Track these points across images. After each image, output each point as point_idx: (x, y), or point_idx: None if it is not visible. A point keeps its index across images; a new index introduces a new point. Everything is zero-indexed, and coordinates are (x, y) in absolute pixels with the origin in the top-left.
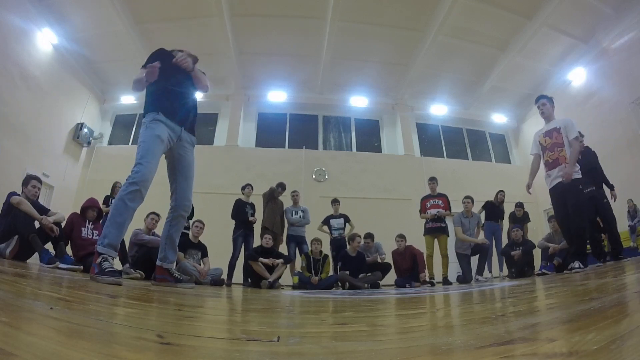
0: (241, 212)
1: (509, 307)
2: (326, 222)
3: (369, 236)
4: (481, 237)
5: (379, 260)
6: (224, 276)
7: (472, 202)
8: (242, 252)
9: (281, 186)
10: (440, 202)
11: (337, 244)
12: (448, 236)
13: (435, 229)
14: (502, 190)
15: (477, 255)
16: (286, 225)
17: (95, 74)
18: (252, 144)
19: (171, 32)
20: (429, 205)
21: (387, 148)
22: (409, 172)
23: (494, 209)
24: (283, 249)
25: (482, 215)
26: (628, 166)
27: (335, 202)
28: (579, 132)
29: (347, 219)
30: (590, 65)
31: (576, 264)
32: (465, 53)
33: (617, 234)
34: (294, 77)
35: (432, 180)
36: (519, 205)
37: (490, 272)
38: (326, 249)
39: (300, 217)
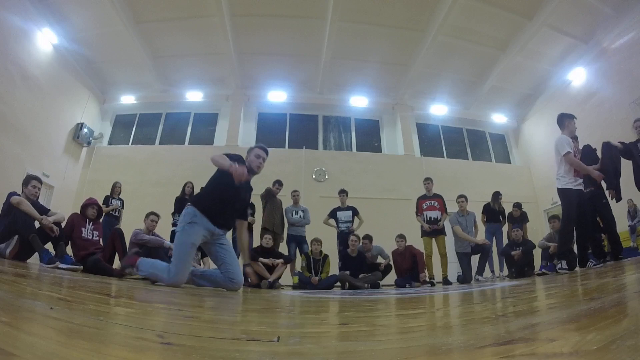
0: None
1: (509, 307)
2: (333, 214)
3: (367, 237)
4: (482, 237)
5: (379, 261)
6: None
7: (467, 200)
8: None
9: (278, 182)
10: (436, 203)
11: (345, 238)
12: (445, 235)
13: (433, 231)
14: (499, 194)
15: (478, 255)
16: (286, 225)
17: (95, 74)
18: (252, 144)
19: (171, 32)
20: (425, 207)
21: (387, 148)
22: (409, 172)
23: (493, 213)
24: (283, 248)
25: (484, 219)
26: (628, 166)
27: (342, 192)
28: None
29: (355, 212)
30: (590, 65)
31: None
32: (465, 53)
33: (616, 234)
34: (294, 77)
35: (428, 180)
36: (517, 205)
37: (493, 271)
38: (331, 244)
39: (300, 217)
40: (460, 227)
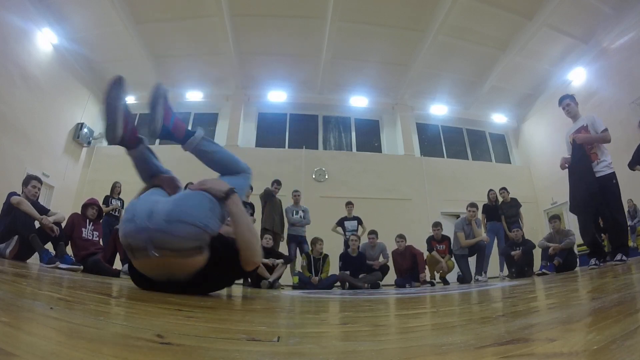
0: None
1: (509, 307)
2: (340, 223)
3: (373, 232)
4: (482, 233)
5: (379, 262)
6: None
7: (477, 210)
8: None
9: (276, 182)
10: (444, 246)
11: None
12: (451, 256)
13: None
14: (491, 190)
15: (475, 256)
16: (286, 225)
17: (96, 74)
18: (252, 144)
19: (171, 32)
20: (434, 250)
21: (387, 148)
22: (409, 172)
23: (492, 210)
24: (283, 248)
25: (484, 219)
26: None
27: (349, 204)
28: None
29: (359, 221)
30: (590, 65)
31: (618, 256)
32: (465, 53)
33: None
34: (294, 77)
35: (437, 226)
36: (503, 189)
37: (485, 272)
38: (332, 244)
39: (300, 217)
40: (464, 234)
